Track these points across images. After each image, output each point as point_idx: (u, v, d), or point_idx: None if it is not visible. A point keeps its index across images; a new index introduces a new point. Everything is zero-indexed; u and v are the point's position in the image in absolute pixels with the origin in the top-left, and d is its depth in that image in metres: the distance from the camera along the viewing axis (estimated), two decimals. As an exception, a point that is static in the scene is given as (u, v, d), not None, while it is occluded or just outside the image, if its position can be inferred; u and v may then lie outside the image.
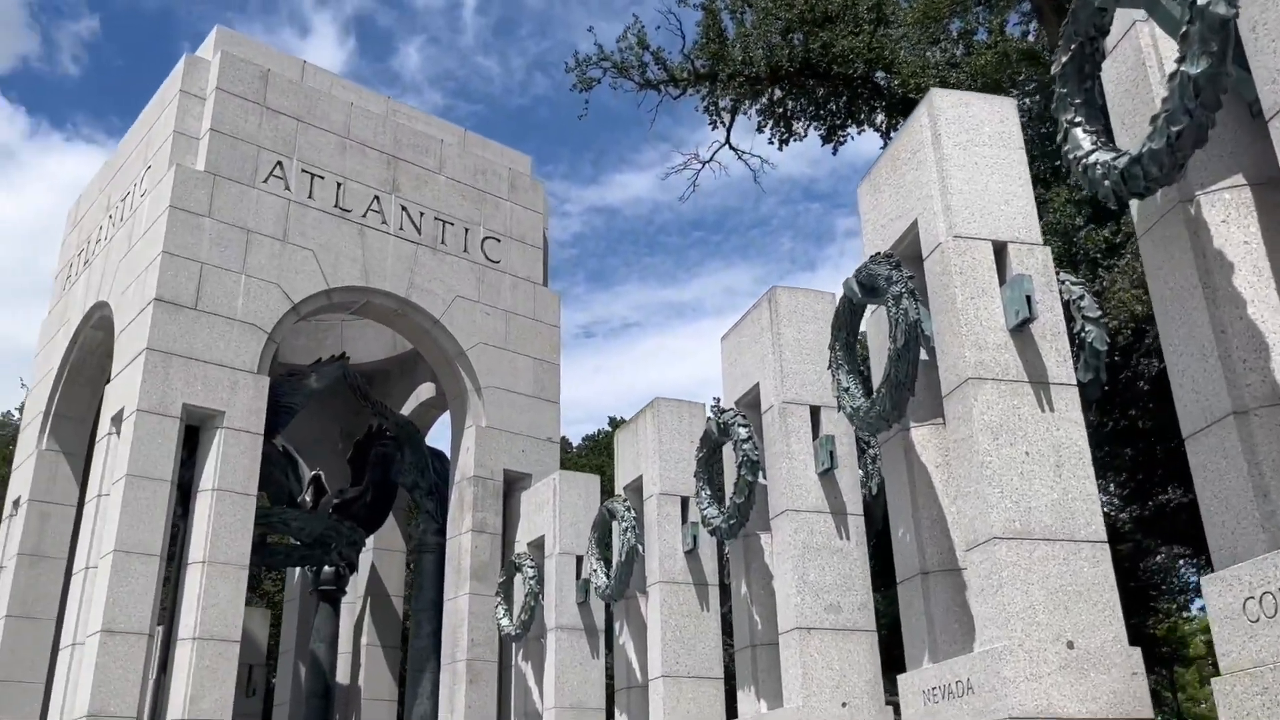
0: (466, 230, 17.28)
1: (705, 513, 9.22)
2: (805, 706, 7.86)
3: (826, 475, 8.59)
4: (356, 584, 19.92)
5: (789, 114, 20.38)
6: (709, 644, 10.60)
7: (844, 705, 7.93)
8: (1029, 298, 6.18)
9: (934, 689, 5.96)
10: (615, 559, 11.06)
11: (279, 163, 15.46)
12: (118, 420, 13.68)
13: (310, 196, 15.63)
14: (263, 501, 17.45)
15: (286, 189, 15.41)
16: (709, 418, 9.27)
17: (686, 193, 27.07)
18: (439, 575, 16.21)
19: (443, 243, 16.89)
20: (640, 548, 11.02)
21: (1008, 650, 5.45)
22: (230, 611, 13.06)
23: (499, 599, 13.83)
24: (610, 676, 13.09)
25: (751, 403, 9.37)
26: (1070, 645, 5.51)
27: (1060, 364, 6.26)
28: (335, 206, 15.84)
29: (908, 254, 7.07)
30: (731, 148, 24.61)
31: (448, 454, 17.27)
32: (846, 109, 19.78)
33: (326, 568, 18.68)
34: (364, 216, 16.10)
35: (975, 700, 5.57)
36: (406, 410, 19.34)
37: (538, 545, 13.98)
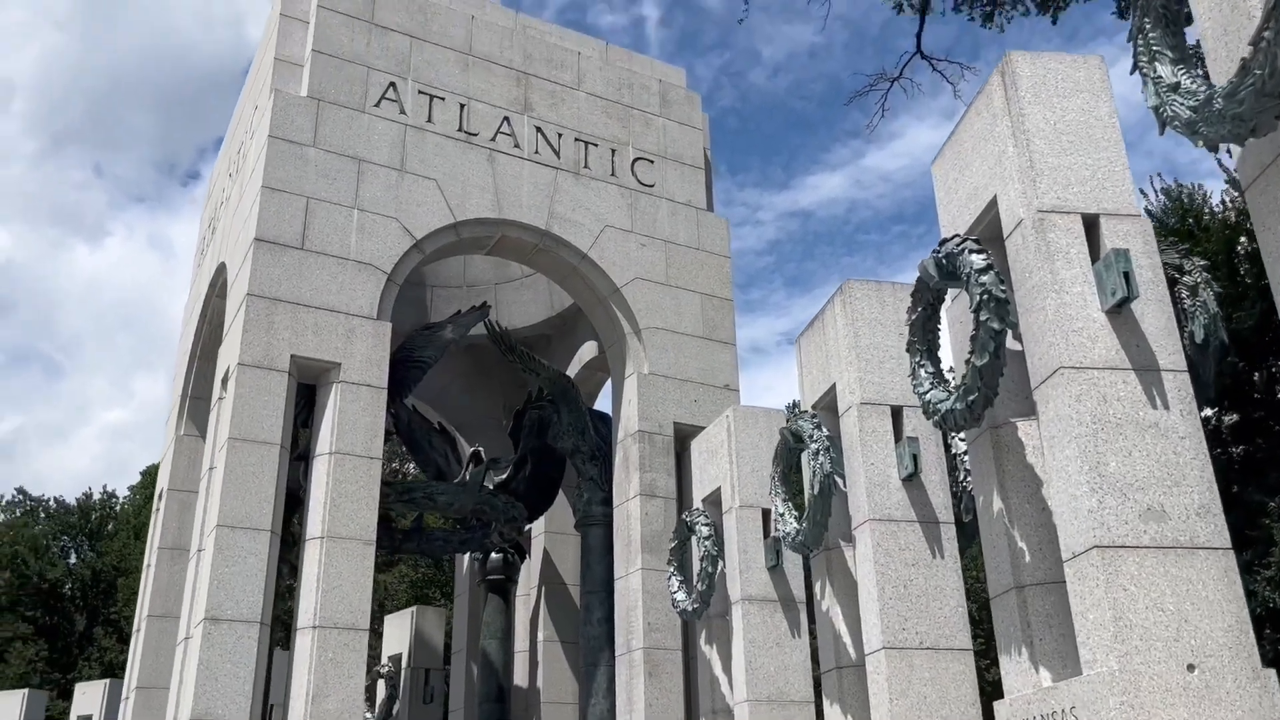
0: (613, 151, 14.84)
1: (928, 397, 6.27)
2: (1123, 671, 4.81)
3: (1119, 312, 5.51)
4: (529, 572, 17.79)
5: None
6: (947, 602, 7.59)
7: (1191, 669, 4.82)
8: None
9: None
10: (806, 494, 8.22)
11: (392, 84, 13.48)
12: (225, 382, 11.93)
13: (430, 120, 13.57)
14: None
15: (402, 113, 13.40)
16: (924, 263, 6.31)
17: (875, 119, 23.60)
18: (608, 551, 13.75)
19: (586, 166, 14.50)
20: (839, 479, 8.14)
21: None
22: (355, 594, 10.98)
23: (671, 569, 11.19)
24: (816, 657, 10.22)
25: (990, 233, 6.38)
26: None
27: None
28: (459, 130, 13.72)
29: None
30: (923, 56, 21.22)
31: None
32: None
33: (493, 554, 16.66)
34: (493, 140, 13.91)
35: None
36: (570, 374, 17.06)
37: (714, 501, 11.27)
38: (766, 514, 10.51)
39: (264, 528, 10.80)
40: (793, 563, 10.35)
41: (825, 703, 8.42)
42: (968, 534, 7.89)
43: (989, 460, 6.29)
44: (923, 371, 6.38)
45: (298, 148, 12.48)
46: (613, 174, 14.68)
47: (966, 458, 7.85)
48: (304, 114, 12.67)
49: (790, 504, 8.72)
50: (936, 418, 6.16)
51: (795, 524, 8.43)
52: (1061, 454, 5.42)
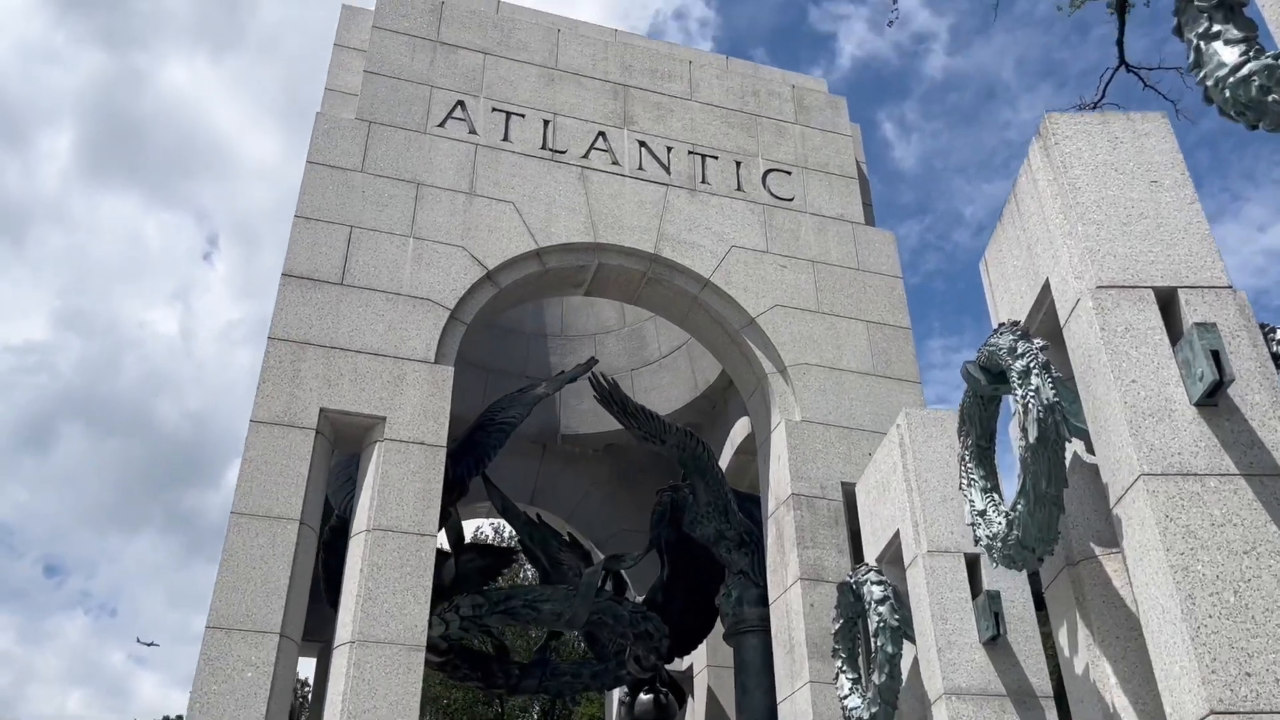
0: (738, 164, 12.02)
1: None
2: None
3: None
4: (693, 718, 14.08)
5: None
6: (1334, 617, 3.77)
7: None
8: None
9: None
10: (1017, 454, 4.62)
11: (460, 103, 11.28)
12: (250, 454, 9.43)
13: (506, 139, 11.22)
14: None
15: (472, 132, 11.11)
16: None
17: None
18: (768, 667, 10.09)
19: (704, 181, 11.71)
20: (1066, 417, 4.56)
21: None
22: (395, 718, 7.85)
23: (839, 664, 7.51)
24: None
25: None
26: None
27: None
28: (542, 149, 11.29)
29: None
30: (1129, 68, 17.67)
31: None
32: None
33: (642, 696, 13.12)
34: (584, 158, 11.39)
35: None
36: (722, 467, 13.76)
37: (894, 560, 7.64)
38: (974, 563, 6.82)
39: (270, 629, 7.94)
40: (1022, 634, 6.54)
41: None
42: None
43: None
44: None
45: (342, 173, 10.31)
46: (739, 189, 11.81)
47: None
48: (351, 138, 10.56)
49: (993, 492, 5.11)
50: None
51: (1003, 519, 4.81)
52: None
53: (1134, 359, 4.37)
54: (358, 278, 9.72)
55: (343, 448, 9.34)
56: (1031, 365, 4.49)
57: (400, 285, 9.82)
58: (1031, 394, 4.41)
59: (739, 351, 11.01)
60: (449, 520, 10.68)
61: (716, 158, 11.94)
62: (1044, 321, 5.19)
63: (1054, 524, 4.46)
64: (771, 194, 11.89)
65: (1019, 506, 4.52)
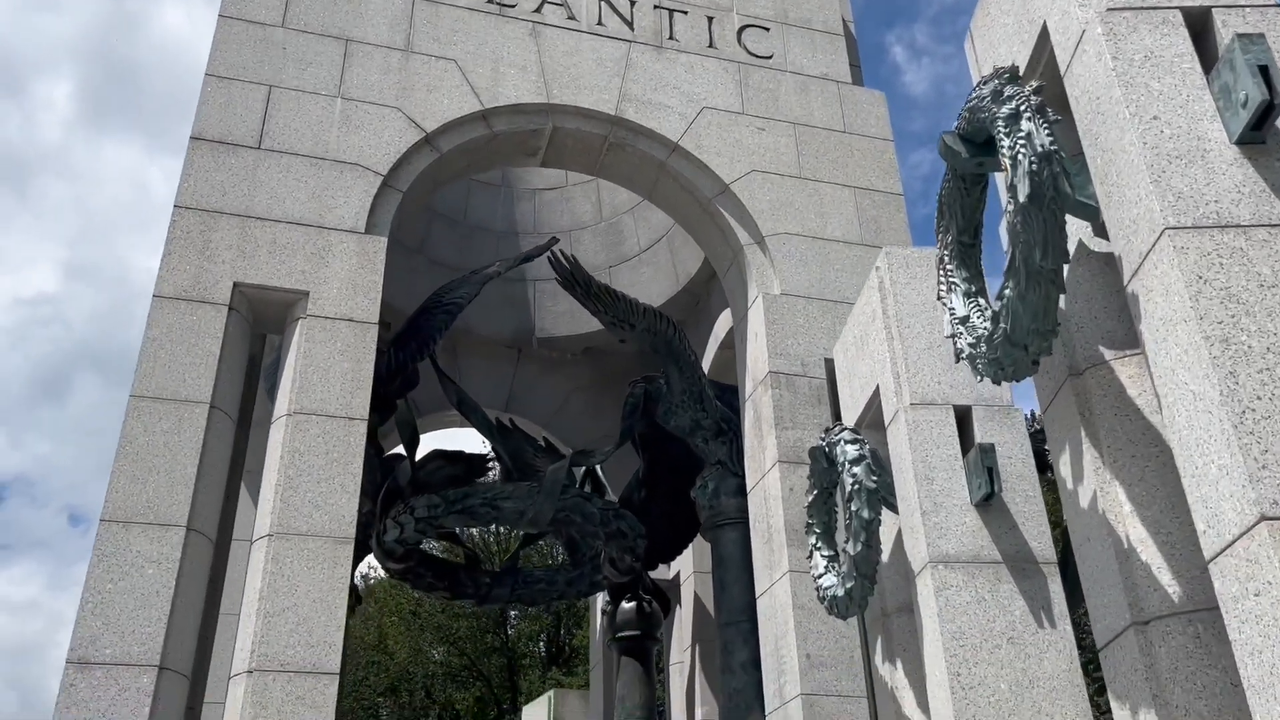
0: (710, 19, 10.85)
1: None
2: None
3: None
4: (681, 630, 13.30)
5: None
6: None
7: None
8: None
9: None
10: (1006, 233, 3.60)
11: (395, -47, 10.12)
12: (164, 339, 8.48)
13: (447, -8, 10.08)
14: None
15: (408, -15, 9.98)
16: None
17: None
18: (746, 558, 9.22)
19: (671, 38, 10.56)
20: (1062, 181, 3.52)
21: None
22: (319, 619, 7.00)
23: (813, 539, 6.58)
24: (1086, 636, 5.31)
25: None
26: None
27: None
28: (489, 2, 10.15)
29: None
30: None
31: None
32: None
33: (624, 604, 12.28)
34: (536, 12, 10.25)
35: None
36: (705, 365, 12.77)
37: (875, 423, 6.66)
38: (965, 416, 5.85)
39: (175, 522, 7.05)
40: (1020, 493, 5.58)
41: (1114, 695, 3.58)
42: None
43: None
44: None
45: (260, 28, 9.21)
46: (711, 45, 10.66)
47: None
48: (271, -10, 9.43)
49: (978, 296, 4.11)
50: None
51: (988, 320, 3.81)
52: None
53: (1155, 92, 3.34)
54: (277, 141, 8.68)
55: (263, 327, 8.38)
56: (1021, 108, 3.45)
57: (326, 149, 8.78)
58: (1021, 142, 3.38)
59: (712, 223, 9.97)
60: (397, 413, 9.75)
61: (686, 12, 10.77)
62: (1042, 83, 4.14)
63: (1052, 310, 3.47)
64: (748, 51, 10.74)
65: (1007, 291, 3.51)
